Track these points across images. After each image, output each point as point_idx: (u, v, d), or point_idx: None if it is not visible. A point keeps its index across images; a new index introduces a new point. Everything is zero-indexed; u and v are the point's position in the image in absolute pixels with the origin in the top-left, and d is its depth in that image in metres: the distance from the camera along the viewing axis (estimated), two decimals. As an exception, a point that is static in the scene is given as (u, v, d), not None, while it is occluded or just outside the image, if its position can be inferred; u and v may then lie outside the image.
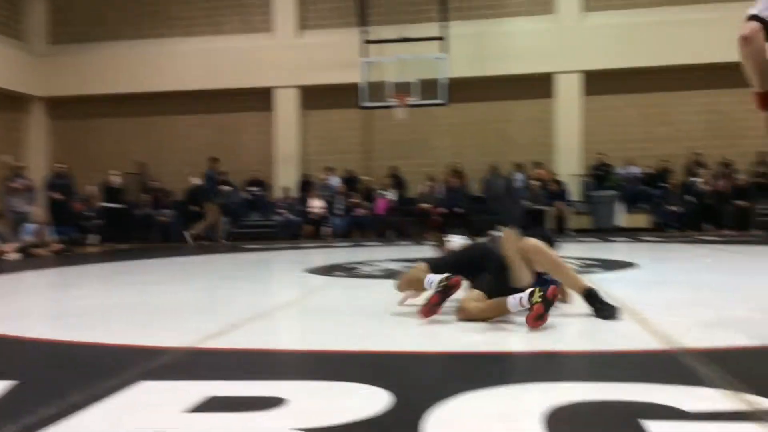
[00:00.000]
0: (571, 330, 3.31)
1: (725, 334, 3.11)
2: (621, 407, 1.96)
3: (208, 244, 14.52)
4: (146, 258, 10.12)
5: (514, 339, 3.08)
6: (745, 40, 2.86)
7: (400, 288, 4.07)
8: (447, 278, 3.48)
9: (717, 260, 7.71)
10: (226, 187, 16.51)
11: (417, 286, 3.81)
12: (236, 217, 17.05)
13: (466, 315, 3.44)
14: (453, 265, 3.77)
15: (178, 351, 2.94)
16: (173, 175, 18.43)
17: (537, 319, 3.11)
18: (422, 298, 3.68)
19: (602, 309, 3.45)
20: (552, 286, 3.19)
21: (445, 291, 3.47)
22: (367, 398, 2.12)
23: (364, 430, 1.84)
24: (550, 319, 3.18)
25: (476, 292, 3.53)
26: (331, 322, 3.74)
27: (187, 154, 18.65)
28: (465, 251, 4.01)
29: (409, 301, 3.93)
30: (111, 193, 15.95)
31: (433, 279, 3.60)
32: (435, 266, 3.81)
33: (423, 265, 3.85)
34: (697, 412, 1.87)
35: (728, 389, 2.08)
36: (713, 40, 15.91)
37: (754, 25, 2.84)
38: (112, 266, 8.83)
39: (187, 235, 14.81)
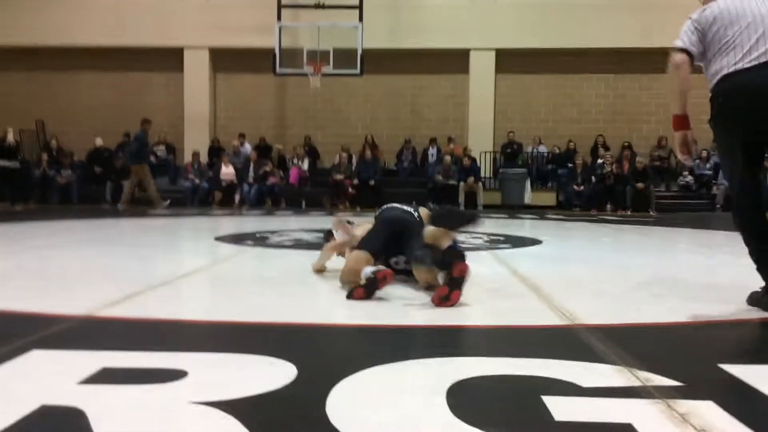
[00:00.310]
0: (476, 305, 3.37)
1: (621, 312, 3.25)
2: (523, 382, 2.01)
3: (142, 207, 13.81)
4: (44, 220, 9.64)
5: (420, 313, 3.11)
6: (677, 68, 3.28)
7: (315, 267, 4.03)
8: (375, 272, 3.36)
9: (616, 240, 8.05)
10: (161, 148, 15.83)
11: (355, 278, 3.58)
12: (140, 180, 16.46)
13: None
14: (383, 242, 3.76)
15: (73, 319, 2.81)
16: (76, 134, 17.57)
17: (442, 300, 3.14)
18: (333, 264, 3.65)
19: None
20: (461, 265, 3.22)
21: (373, 285, 3.35)
22: (271, 371, 2.08)
23: (266, 403, 1.80)
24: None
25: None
26: (238, 292, 3.66)
27: (92, 113, 17.80)
28: (385, 226, 3.93)
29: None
30: (5, 150, 15.05)
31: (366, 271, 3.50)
32: (366, 245, 3.75)
33: (364, 255, 3.66)
34: (592, 388, 1.94)
35: (622, 365, 2.16)
36: (619, 25, 16.52)
37: (684, 56, 3.28)
38: (7, 228, 8.35)
39: (120, 205, 14.01)
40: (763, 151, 3.29)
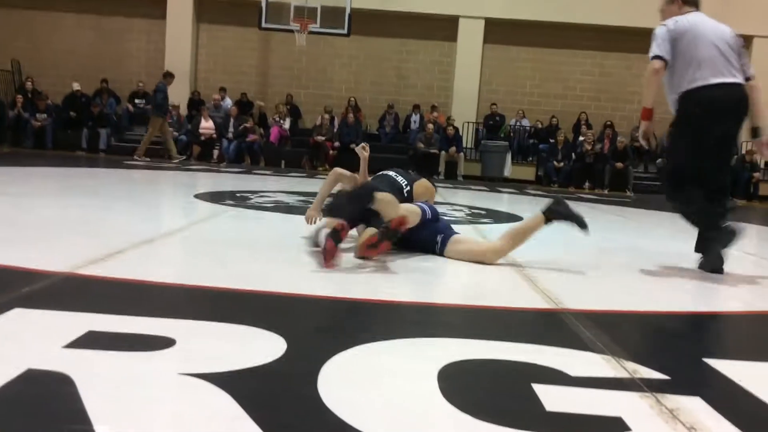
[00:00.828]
0: (463, 283, 3.38)
1: (605, 297, 3.27)
2: (513, 368, 2.01)
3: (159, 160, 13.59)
4: (17, 165, 9.44)
5: (409, 289, 3.10)
6: (656, 73, 3.97)
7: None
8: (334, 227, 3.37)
9: (594, 220, 8.11)
10: (175, 104, 15.47)
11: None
12: (117, 129, 16.20)
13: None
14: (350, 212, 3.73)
15: (56, 276, 2.75)
16: (53, 77, 17.16)
17: (369, 247, 3.11)
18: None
19: None
20: (398, 217, 3.21)
21: (336, 237, 3.35)
22: (260, 344, 2.06)
23: (257, 378, 1.78)
24: (445, 269, 3.22)
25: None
26: (222, 256, 3.62)
27: (70, 56, 17.37)
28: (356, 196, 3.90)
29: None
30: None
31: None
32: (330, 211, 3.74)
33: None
34: (581, 378, 1.95)
35: (609, 355, 2.18)
36: (609, 3, 16.44)
37: (662, 63, 3.95)
38: (-22, 172, 8.17)
39: (136, 156, 13.79)
40: (713, 148, 4.01)
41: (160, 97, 14.00)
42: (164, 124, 14.10)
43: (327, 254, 3.26)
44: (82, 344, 1.93)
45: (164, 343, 1.99)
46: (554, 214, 3.74)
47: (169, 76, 14.17)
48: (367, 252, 3.12)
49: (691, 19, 4.00)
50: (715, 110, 3.90)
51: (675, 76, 4.00)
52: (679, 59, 3.93)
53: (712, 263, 3.97)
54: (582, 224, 3.77)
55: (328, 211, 3.64)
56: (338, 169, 4.33)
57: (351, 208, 3.50)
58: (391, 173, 4.13)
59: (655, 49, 3.96)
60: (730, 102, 3.90)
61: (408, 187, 4.04)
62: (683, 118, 4.04)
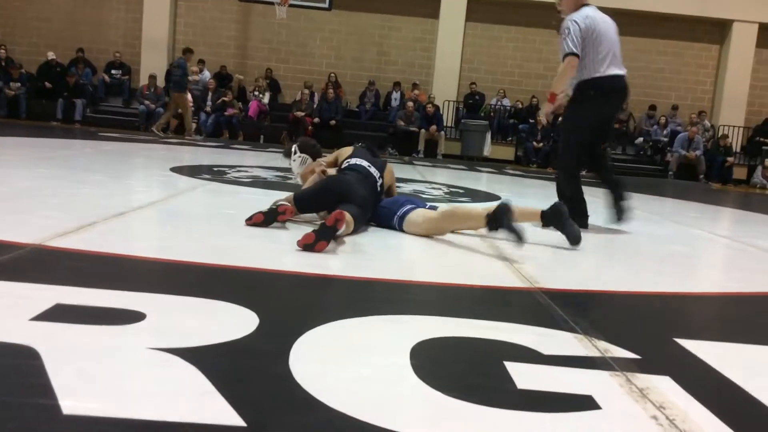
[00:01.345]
0: (438, 261, 3.38)
1: (578, 277, 3.29)
2: (485, 346, 2.01)
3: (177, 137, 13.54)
4: (-12, 135, 9.25)
5: (383, 266, 3.09)
6: (572, 68, 4.63)
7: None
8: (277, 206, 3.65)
9: (571, 199, 8.14)
10: (195, 78, 15.20)
11: None
12: (93, 100, 15.94)
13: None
14: (315, 199, 3.88)
15: (24, 248, 2.70)
16: (26, 45, 16.81)
17: (306, 246, 3.11)
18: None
19: None
20: (338, 214, 3.21)
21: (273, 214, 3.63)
22: (232, 319, 2.04)
23: (228, 354, 1.76)
24: (420, 246, 3.20)
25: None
26: (196, 230, 3.58)
27: (44, 24, 17.01)
28: (327, 185, 3.92)
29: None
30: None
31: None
32: (299, 201, 3.86)
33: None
34: (553, 356, 1.96)
35: (581, 334, 2.19)
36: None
37: (577, 59, 4.62)
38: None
39: (155, 129, 13.62)
40: (601, 134, 4.86)
41: (179, 73, 13.82)
42: (182, 99, 13.91)
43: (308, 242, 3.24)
44: (50, 317, 1.89)
45: (134, 317, 1.96)
46: (497, 223, 3.58)
47: (188, 52, 14.12)
48: (305, 249, 3.10)
49: (592, 15, 4.74)
50: (614, 96, 4.78)
51: (582, 67, 4.66)
52: (587, 52, 4.64)
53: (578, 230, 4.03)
54: (519, 239, 3.61)
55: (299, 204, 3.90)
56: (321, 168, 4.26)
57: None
58: (364, 163, 4.08)
59: (571, 47, 4.62)
60: (624, 90, 4.83)
61: (380, 180, 4.05)
62: (586, 100, 4.71)
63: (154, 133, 13.41)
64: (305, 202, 3.90)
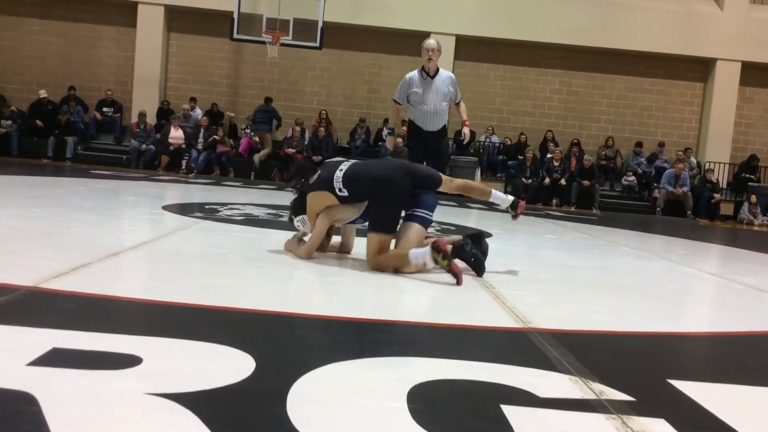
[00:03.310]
0: (433, 300, 3.39)
1: (571, 317, 3.31)
2: (482, 389, 2.02)
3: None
4: (-21, 173, 9.24)
5: (377, 306, 3.11)
6: (396, 111, 6.38)
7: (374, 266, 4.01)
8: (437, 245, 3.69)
9: (561, 238, 8.21)
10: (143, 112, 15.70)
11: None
12: (84, 138, 15.98)
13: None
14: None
15: (20, 290, 2.70)
16: (18, 83, 16.90)
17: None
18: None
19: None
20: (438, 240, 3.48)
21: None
22: (229, 363, 2.04)
23: (225, 398, 1.77)
24: (414, 285, 3.22)
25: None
26: (190, 270, 3.58)
27: (37, 62, 17.12)
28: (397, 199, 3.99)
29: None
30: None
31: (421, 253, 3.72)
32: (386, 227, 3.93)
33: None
34: (549, 399, 1.97)
35: (576, 375, 2.20)
36: (577, 23, 16.77)
37: (397, 105, 6.28)
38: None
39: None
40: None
41: (266, 116, 15.94)
42: (266, 138, 15.80)
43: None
44: (47, 362, 1.89)
45: (130, 361, 1.96)
46: (461, 252, 3.93)
47: (267, 101, 16.23)
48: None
49: (415, 81, 6.19)
50: None
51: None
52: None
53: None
54: (479, 270, 3.98)
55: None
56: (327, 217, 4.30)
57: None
58: (345, 161, 4.19)
59: (395, 94, 6.25)
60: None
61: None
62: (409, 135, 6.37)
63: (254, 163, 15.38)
64: (391, 223, 3.98)
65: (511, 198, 4.62)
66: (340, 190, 3.95)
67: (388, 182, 3.86)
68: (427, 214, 4.11)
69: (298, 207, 4.29)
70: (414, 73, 6.19)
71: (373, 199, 3.89)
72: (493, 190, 4.48)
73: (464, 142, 15.29)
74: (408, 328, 2.77)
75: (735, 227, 14.49)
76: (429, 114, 6.14)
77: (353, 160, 4.21)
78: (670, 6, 17.10)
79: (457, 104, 6.41)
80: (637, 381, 2.27)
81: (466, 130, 6.59)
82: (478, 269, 3.99)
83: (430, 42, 6.12)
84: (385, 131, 16.01)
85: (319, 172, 4.16)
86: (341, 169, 4.01)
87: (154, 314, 2.66)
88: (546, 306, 3.49)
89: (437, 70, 6.14)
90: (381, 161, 4.20)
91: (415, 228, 4.03)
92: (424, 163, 5.72)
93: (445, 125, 6.32)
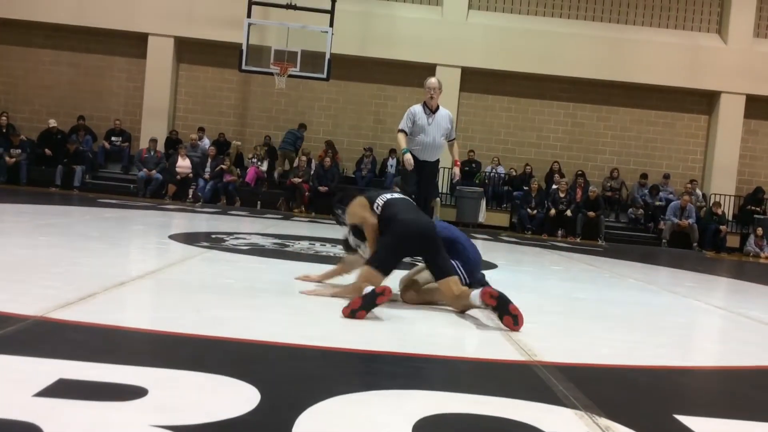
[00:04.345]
0: (438, 332, 3.39)
1: (577, 350, 3.30)
2: (488, 423, 2.02)
3: None
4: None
5: (383, 338, 3.10)
6: (402, 138, 6.68)
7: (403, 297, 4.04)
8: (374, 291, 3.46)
9: (567, 269, 8.19)
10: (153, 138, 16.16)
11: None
12: (92, 166, 16.11)
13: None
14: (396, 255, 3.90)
15: (27, 320, 2.71)
16: (28, 113, 17.10)
17: (350, 313, 3.37)
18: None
19: None
20: (384, 286, 3.47)
21: (372, 303, 3.43)
22: (234, 395, 2.04)
23: (230, 431, 1.77)
24: (419, 318, 3.22)
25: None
26: (195, 300, 3.59)
27: (47, 92, 17.33)
28: (405, 243, 3.90)
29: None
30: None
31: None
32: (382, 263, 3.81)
33: (377, 275, 3.76)
34: (555, 434, 1.96)
35: (582, 410, 2.19)
36: (582, 56, 16.93)
37: (404, 134, 6.68)
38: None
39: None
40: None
41: (293, 139, 16.47)
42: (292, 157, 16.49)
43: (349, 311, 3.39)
44: (53, 393, 1.90)
45: (136, 392, 1.97)
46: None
47: (301, 126, 16.78)
48: (348, 316, 3.24)
49: (419, 113, 6.73)
50: None
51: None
52: None
53: None
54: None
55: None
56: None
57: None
58: (408, 201, 4.19)
59: (401, 124, 6.70)
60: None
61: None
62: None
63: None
64: (389, 263, 3.82)
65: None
66: (377, 206, 4.00)
67: (406, 228, 3.85)
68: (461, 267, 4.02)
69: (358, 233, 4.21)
70: (418, 107, 6.71)
71: (387, 233, 3.88)
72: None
73: (454, 181, 15.43)
74: (414, 360, 2.77)
75: (741, 260, 14.43)
76: (428, 145, 6.66)
77: (404, 196, 4.25)
78: (675, 40, 17.25)
79: (451, 142, 6.85)
80: (644, 416, 2.25)
81: (456, 170, 7.06)
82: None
83: (432, 81, 6.64)
84: (399, 153, 16.16)
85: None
86: (388, 197, 4.08)
87: (160, 345, 2.66)
88: (552, 339, 3.48)
89: (437, 107, 6.70)
90: (419, 212, 4.16)
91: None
92: (418, 188, 6.39)
93: (439, 159, 6.84)
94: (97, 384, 2.02)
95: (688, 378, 3.01)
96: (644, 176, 17.13)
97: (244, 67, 15.44)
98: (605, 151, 18.03)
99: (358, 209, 4.04)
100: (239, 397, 2.02)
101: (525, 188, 16.36)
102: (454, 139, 6.87)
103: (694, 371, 3.13)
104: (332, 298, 3.87)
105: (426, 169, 6.76)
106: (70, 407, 1.81)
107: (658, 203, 16.46)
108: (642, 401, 2.51)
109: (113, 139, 16.76)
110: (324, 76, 15.39)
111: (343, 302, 3.53)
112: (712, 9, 17.75)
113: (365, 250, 4.11)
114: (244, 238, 7.48)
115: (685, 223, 15.45)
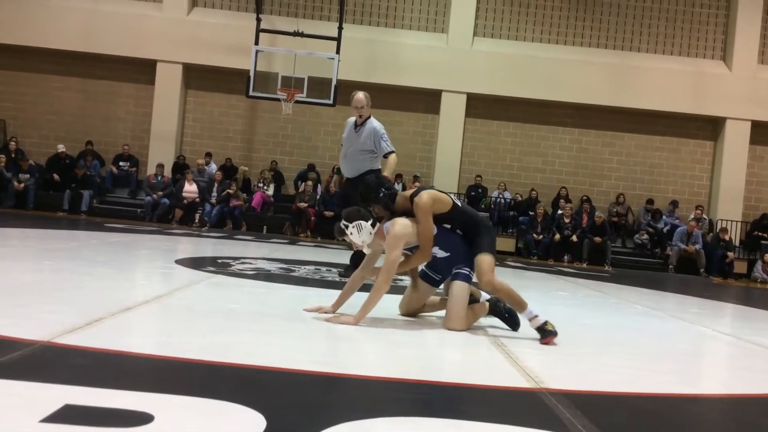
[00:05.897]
0: (444, 358, 3.38)
1: (584, 377, 3.28)
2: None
3: None
4: (-4, 226, 9.36)
5: (389, 364, 3.10)
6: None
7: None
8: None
9: (573, 295, 8.16)
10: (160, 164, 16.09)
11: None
12: (100, 191, 16.20)
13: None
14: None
15: (33, 345, 2.72)
16: (37, 138, 17.26)
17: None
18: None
19: None
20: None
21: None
22: (240, 421, 2.04)
23: (236, 458, 1.77)
24: (426, 343, 3.21)
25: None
26: (202, 325, 3.60)
27: (55, 117, 17.50)
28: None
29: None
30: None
31: None
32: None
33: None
34: (561, 462, 1.95)
35: (589, 438, 2.18)
36: (587, 82, 17.02)
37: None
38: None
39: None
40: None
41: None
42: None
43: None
44: (59, 419, 1.91)
45: (142, 419, 1.97)
46: (495, 309, 4.39)
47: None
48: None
49: None
50: None
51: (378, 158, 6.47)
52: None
53: None
54: (514, 326, 4.36)
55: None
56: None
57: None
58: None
59: (392, 147, 6.42)
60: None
61: None
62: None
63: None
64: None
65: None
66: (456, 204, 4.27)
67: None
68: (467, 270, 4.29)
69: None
70: (351, 119, 6.65)
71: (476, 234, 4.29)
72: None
73: None
74: (419, 387, 2.76)
75: (748, 286, 14.34)
76: (345, 158, 6.60)
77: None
78: (680, 66, 17.34)
79: (385, 157, 6.48)
80: (651, 444, 2.24)
81: None
82: (513, 324, 4.31)
83: (358, 97, 6.47)
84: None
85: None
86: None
87: (166, 371, 2.67)
88: (558, 365, 3.47)
89: (364, 122, 6.51)
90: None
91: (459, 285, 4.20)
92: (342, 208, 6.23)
93: (363, 174, 6.19)
94: (103, 410, 2.03)
95: (695, 405, 2.98)
96: (650, 202, 17.11)
97: (251, 93, 15.55)
98: (611, 177, 18.05)
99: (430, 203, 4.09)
100: (245, 423, 2.02)
101: (531, 213, 16.36)
102: (389, 153, 6.43)
103: (700, 399, 3.11)
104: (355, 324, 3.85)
105: (350, 186, 6.44)
106: (76, 433, 1.82)
107: (661, 227, 16.43)
108: (648, 428, 2.50)
109: (121, 164, 16.87)
110: (330, 101, 15.49)
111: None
112: (716, 36, 17.86)
113: (360, 236, 4.05)
114: (250, 263, 7.49)
115: (692, 249, 15.40)
